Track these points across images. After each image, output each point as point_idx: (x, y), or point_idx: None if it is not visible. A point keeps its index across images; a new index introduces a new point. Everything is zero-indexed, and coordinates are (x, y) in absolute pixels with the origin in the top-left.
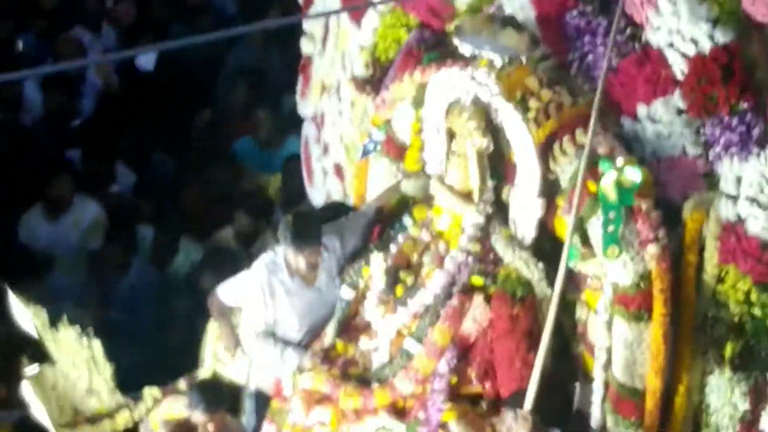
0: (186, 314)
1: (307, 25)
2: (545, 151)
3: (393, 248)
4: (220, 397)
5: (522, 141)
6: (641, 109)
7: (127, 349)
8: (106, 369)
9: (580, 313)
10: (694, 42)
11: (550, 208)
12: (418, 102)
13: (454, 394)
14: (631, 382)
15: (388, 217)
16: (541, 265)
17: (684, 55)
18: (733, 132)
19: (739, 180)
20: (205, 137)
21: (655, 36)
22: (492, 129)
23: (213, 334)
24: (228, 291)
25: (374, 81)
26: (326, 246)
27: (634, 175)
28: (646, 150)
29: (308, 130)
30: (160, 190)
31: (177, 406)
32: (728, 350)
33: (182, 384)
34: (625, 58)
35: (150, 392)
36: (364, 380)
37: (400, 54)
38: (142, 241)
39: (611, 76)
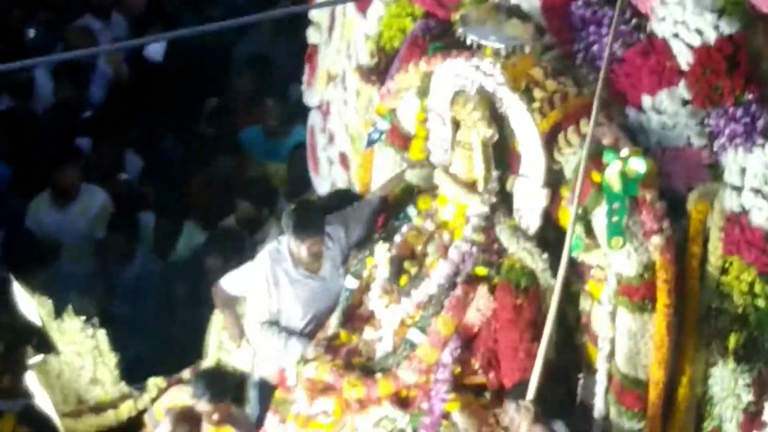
0: (190, 304)
1: (314, 14)
2: (550, 142)
3: (397, 238)
4: (225, 387)
5: (527, 131)
6: (646, 100)
7: (132, 339)
8: (111, 359)
9: (584, 303)
10: (699, 32)
11: (555, 198)
12: (423, 92)
13: (458, 385)
14: (634, 373)
15: (392, 207)
16: (545, 255)
17: (689, 46)
18: (737, 123)
19: (743, 171)
20: (213, 126)
21: (660, 26)
22: (497, 119)
23: (218, 324)
24: (232, 281)
25: (379, 70)
26: (330, 236)
27: (638, 165)
28: (650, 140)
29: (314, 119)
30: (166, 178)
31: (182, 395)
32: (732, 341)
33: (187, 374)
34: (630, 49)
35: (154, 382)
36: (367, 370)
37: (405, 43)
38: (145, 229)
39: (616, 67)
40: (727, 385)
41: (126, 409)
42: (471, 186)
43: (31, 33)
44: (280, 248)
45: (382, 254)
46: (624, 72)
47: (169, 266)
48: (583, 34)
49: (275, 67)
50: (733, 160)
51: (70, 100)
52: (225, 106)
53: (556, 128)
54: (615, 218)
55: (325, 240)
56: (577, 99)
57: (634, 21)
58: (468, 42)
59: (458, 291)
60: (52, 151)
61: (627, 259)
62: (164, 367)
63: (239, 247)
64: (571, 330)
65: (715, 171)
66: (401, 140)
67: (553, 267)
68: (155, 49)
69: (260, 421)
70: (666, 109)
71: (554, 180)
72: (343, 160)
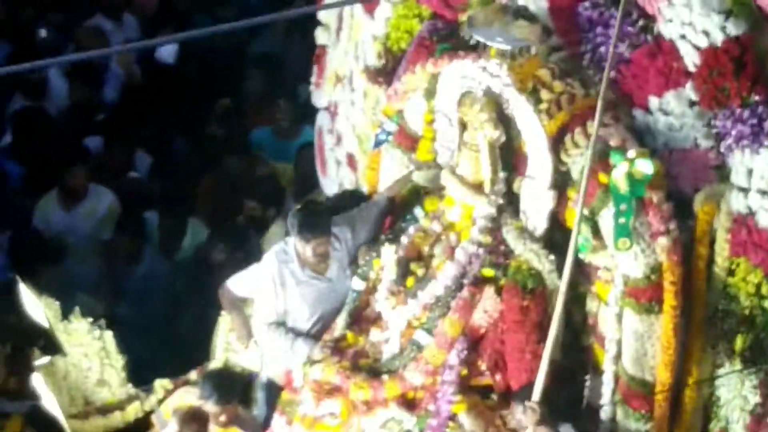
0: (197, 305)
1: (322, 15)
2: (557, 143)
3: (404, 240)
4: (233, 388)
5: (534, 132)
6: (653, 101)
7: (139, 341)
8: (118, 360)
9: (591, 305)
10: (706, 34)
11: (562, 199)
12: (430, 93)
13: (465, 386)
14: (641, 374)
15: (399, 208)
16: (551, 256)
17: (696, 47)
18: (744, 124)
19: (750, 172)
20: (223, 126)
21: (667, 28)
22: (504, 120)
23: (225, 325)
24: (238, 282)
25: (387, 71)
26: (337, 237)
27: (645, 166)
28: (657, 142)
29: (322, 120)
30: (175, 178)
31: (189, 396)
32: (739, 343)
33: (194, 375)
34: (637, 50)
35: (161, 384)
36: (374, 372)
37: (412, 45)
38: (152, 230)
39: (623, 68)
40: (733, 386)
41: (133, 411)
42: (478, 187)
43: (43, 33)
44: (287, 249)
45: (388, 256)
46: (631, 73)
47: (176, 267)
48: (590, 36)
49: (286, 68)
50: (740, 161)
51: (84, 101)
52: (236, 107)
53: (563, 130)
54: (622, 219)
55: (332, 241)
56: (584, 100)
57: (641, 22)
58: (474, 43)
59: (465, 292)
60: (62, 151)
61: (634, 261)
62: (171, 369)
63: (243, 241)
64: (578, 331)
65: (721, 172)
66: (408, 141)
67: (560, 268)
68: (168, 52)
69: (267, 422)
70: (673, 110)
71: (561, 181)
72: (351, 161)
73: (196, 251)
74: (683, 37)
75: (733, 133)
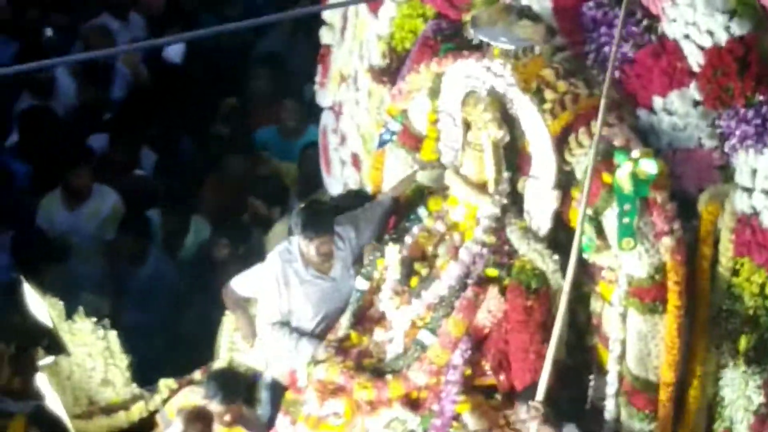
0: (201, 305)
1: (326, 15)
2: (561, 143)
3: (408, 239)
4: (237, 388)
5: (538, 132)
6: (657, 101)
7: (143, 341)
8: (122, 360)
9: (595, 305)
10: (710, 34)
11: (566, 199)
12: (435, 92)
13: (469, 386)
14: (645, 374)
15: (403, 208)
16: (555, 256)
17: (700, 47)
18: (748, 124)
19: (754, 172)
20: (229, 126)
21: (671, 27)
22: (508, 120)
23: (229, 325)
24: (242, 282)
25: (391, 71)
26: (341, 236)
27: (649, 166)
28: (661, 142)
29: (327, 119)
30: (181, 176)
31: (193, 396)
32: (743, 343)
33: (198, 375)
34: (641, 50)
35: (165, 383)
36: (378, 371)
37: (416, 44)
38: (156, 229)
39: (627, 68)
40: (737, 386)
41: (137, 411)
42: (482, 187)
43: (49, 32)
44: (291, 248)
45: (392, 255)
46: (635, 73)
47: (180, 267)
48: (594, 35)
49: (291, 68)
50: (744, 161)
51: (91, 100)
52: (242, 106)
53: (567, 129)
54: (626, 219)
55: (336, 240)
56: (588, 100)
57: (645, 22)
58: (478, 43)
59: (469, 292)
60: (66, 151)
61: (638, 261)
62: (175, 369)
63: (246, 239)
64: (582, 331)
65: (726, 172)
66: (412, 141)
67: (564, 268)
68: (175, 51)
69: (271, 422)
70: (677, 110)
71: (565, 181)
72: (355, 160)
73: (199, 249)
74: (687, 36)
75: (737, 132)
